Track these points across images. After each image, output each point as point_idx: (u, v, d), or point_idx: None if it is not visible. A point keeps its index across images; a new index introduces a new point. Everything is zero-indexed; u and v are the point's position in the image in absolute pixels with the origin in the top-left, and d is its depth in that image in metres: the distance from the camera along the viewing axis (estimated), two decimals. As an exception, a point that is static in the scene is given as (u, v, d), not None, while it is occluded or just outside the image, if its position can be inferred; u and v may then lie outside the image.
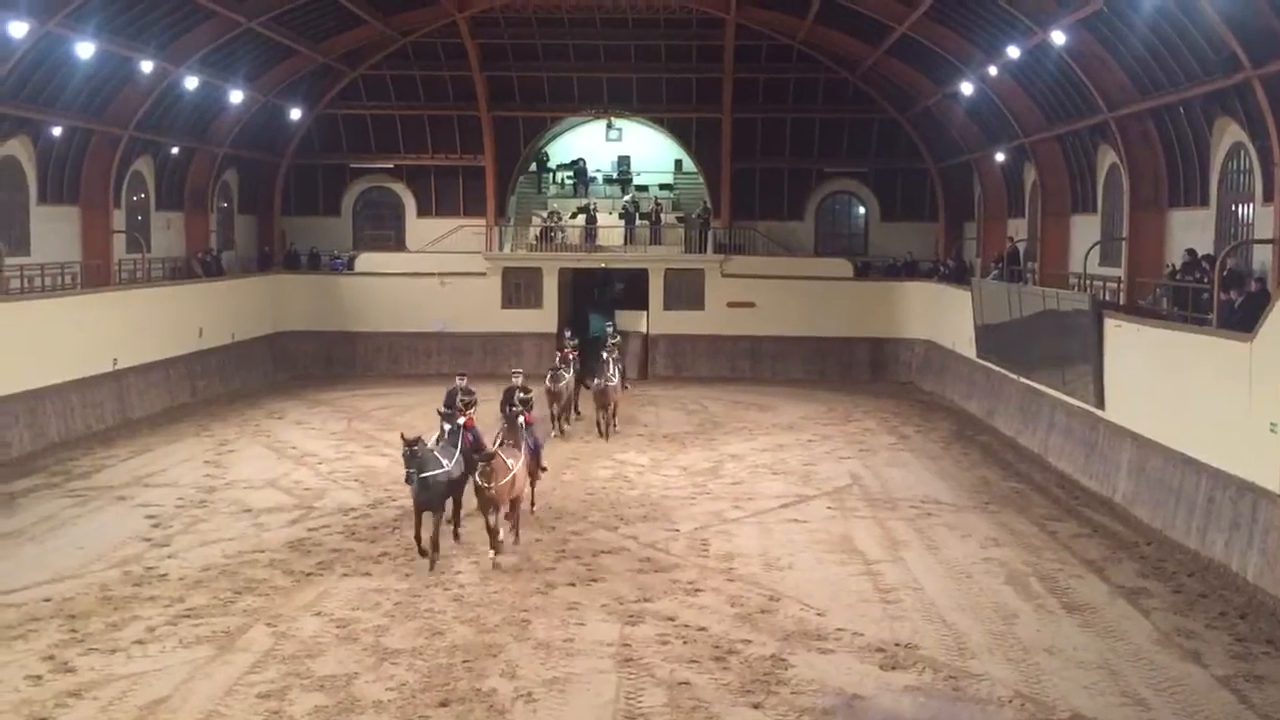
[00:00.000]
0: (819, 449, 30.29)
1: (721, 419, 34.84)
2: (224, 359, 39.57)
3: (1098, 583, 18.95)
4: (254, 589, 18.14)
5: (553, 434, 30.12)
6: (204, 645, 15.67)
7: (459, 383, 23.00)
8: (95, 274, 34.11)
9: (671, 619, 16.92)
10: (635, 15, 41.98)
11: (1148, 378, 23.35)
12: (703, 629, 16.50)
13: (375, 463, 27.83)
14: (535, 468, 22.45)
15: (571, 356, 32.98)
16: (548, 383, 31.00)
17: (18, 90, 29.33)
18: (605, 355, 32.13)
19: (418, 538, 19.14)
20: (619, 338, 36.13)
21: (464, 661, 15.19)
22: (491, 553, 19.39)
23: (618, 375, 32.23)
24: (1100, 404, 25.57)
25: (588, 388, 31.97)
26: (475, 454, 19.70)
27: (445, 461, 19.54)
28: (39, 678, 14.49)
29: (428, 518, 19.15)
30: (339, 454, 29.02)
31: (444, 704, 13.86)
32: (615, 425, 31.96)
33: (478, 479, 19.08)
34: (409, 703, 13.86)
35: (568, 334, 35.16)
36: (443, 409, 21.72)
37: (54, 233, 33.10)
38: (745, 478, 26.82)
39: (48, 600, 17.46)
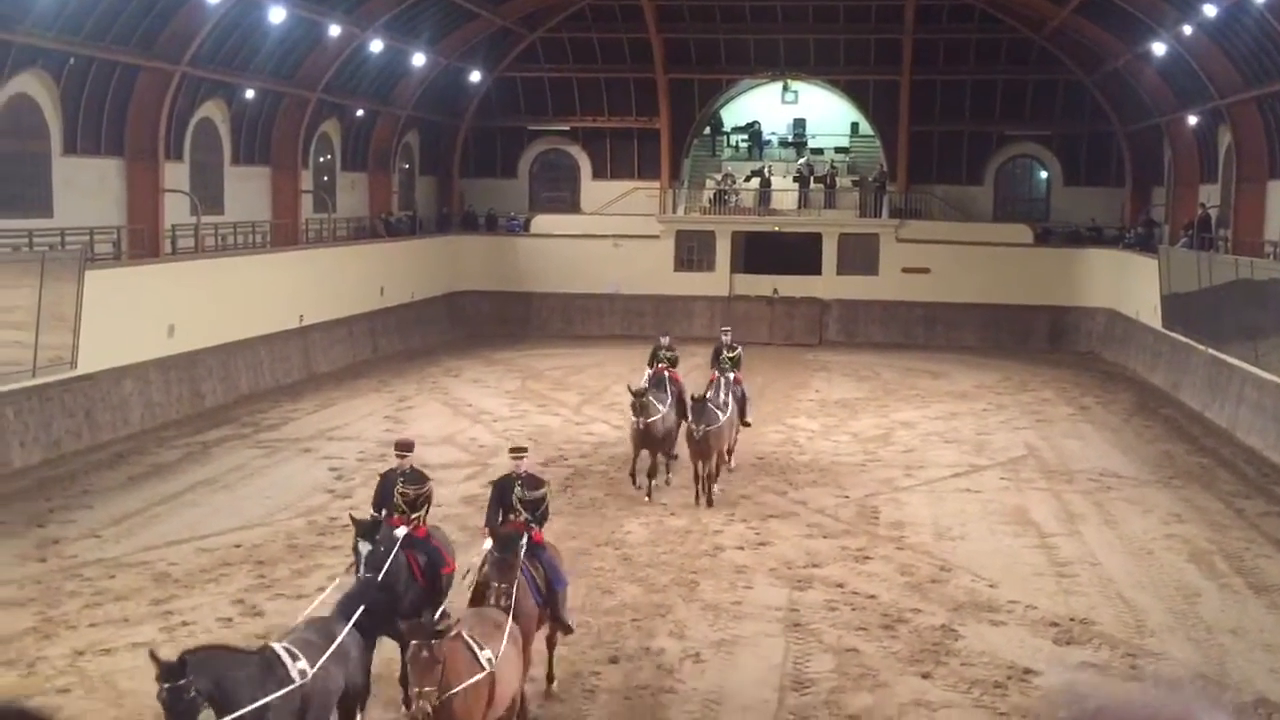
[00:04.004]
0: (993, 418, 29.70)
1: (894, 386, 34.41)
2: (403, 317, 40.64)
3: (1287, 564, 18.26)
4: (431, 542, 18.61)
5: (637, 486, 21.38)
6: (383, 594, 16.15)
7: (400, 463, 13.02)
8: (284, 233, 35.35)
9: (840, 585, 16.86)
10: (814, -25, 41.52)
11: (1348, 352, 22.31)
12: (872, 596, 16.40)
13: (548, 422, 28.28)
14: (552, 627, 13.01)
15: (669, 375, 22.89)
16: (633, 416, 21.20)
17: (213, 55, 30.44)
18: (718, 375, 23.07)
19: None
20: (738, 349, 24.16)
21: (633, 620, 15.39)
22: None
23: (731, 407, 22.19)
24: (1295, 378, 24.55)
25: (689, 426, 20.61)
26: (406, 633, 10.03)
27: (302, 662, 10.02)
28: (229, 620, 15.20)
29: None
30: (513, 412, 29.55)
31: (613, 660, 14.10)
32: (714, 483, 21.17)
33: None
34: (580, 658, 14.10)
35: (665, 340, 24.06)
36: (367, 516, 12.81)
37: (246, 192, 34.37)
38: (917, 445, 26.47)
39: (238, 546, 18.28)
